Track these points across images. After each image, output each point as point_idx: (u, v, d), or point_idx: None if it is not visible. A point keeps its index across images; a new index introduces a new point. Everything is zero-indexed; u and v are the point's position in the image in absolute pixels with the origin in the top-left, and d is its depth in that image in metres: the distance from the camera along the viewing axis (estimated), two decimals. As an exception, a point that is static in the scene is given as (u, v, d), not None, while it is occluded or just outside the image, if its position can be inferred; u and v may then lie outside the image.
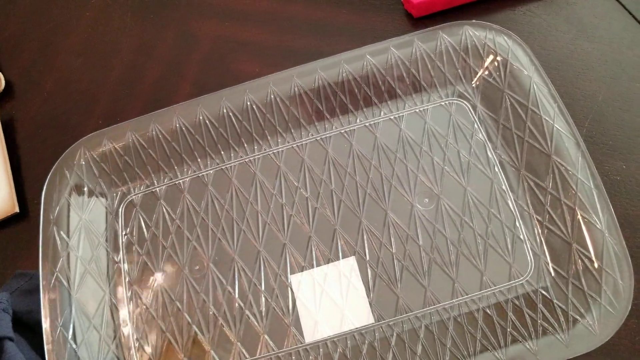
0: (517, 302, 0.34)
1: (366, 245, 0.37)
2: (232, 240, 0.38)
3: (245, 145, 0.41)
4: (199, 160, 0.41)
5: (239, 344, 0.35)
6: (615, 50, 0.43)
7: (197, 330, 0.36)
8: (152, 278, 0.38)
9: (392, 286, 0.36)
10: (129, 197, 0.41)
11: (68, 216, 0.39)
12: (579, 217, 0.34)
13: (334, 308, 0.36)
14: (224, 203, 0.40)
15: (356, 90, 0.41)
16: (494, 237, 0.36)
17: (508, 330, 0.33)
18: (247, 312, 0.36)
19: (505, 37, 0.40)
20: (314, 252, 0.37)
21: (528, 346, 0.32)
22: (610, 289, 0.32)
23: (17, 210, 0.44)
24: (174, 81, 0.47)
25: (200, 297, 0.37)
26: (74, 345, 0.35)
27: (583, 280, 0.33)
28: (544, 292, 0.34)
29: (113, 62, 0.49)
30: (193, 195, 0.40)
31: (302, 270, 0.37)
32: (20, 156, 0.46)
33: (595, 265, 0.33)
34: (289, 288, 0.37)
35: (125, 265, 0.39)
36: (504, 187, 0.38)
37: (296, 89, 0.41)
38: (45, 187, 0.39)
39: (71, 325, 0.35)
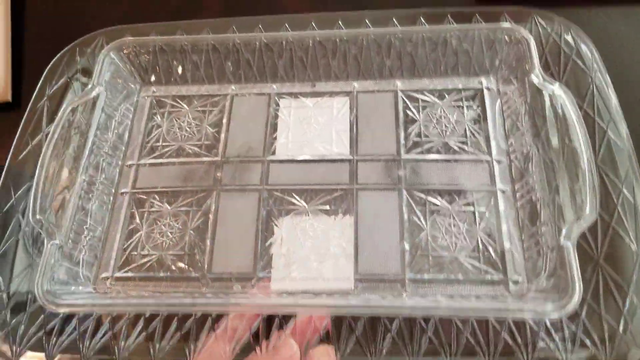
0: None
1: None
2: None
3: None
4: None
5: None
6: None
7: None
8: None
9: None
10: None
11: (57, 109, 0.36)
12: (612, 232, 0.30)
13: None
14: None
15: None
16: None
17: (502, 335, 0.29)
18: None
19: (572, 33, 0.36)
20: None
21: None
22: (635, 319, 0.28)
23: (9, 98, 0.42)
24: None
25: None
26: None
27: (602, 302, 0.29)
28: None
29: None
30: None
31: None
32: (25, 47, 0.44)
33: (622, 288, 0.29)
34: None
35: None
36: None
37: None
38: (46, 72, 0.37)
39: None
